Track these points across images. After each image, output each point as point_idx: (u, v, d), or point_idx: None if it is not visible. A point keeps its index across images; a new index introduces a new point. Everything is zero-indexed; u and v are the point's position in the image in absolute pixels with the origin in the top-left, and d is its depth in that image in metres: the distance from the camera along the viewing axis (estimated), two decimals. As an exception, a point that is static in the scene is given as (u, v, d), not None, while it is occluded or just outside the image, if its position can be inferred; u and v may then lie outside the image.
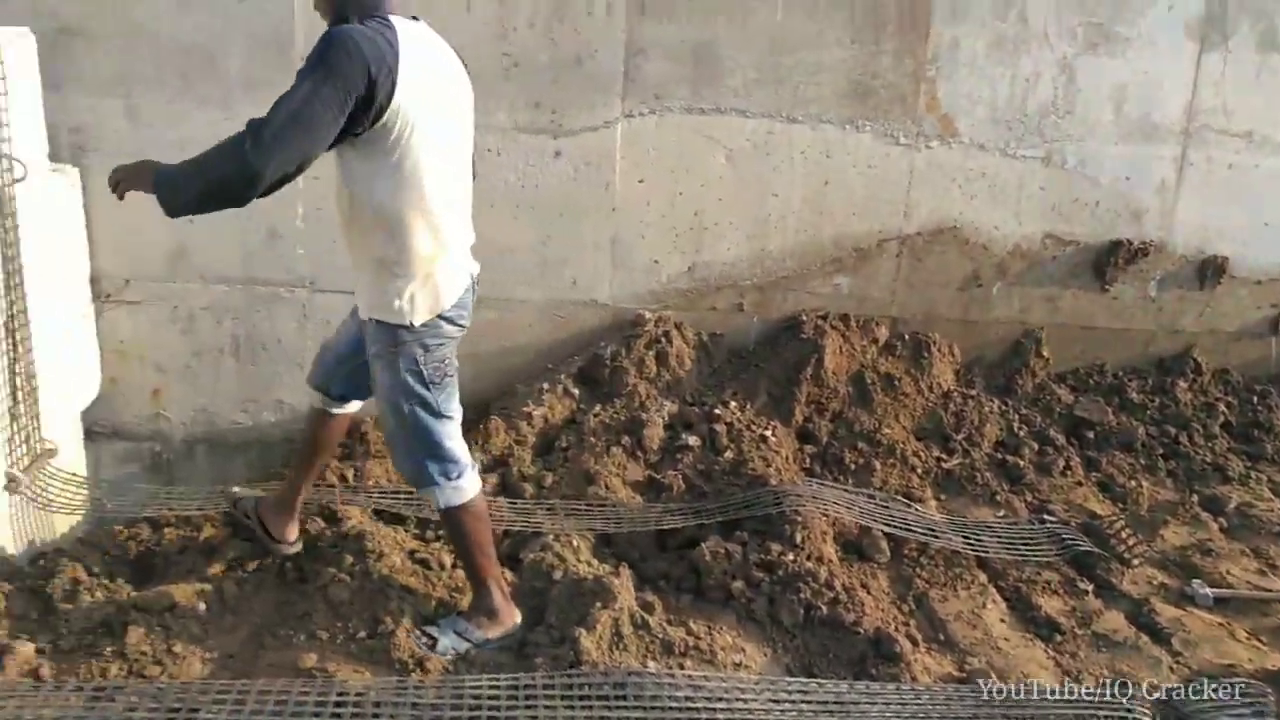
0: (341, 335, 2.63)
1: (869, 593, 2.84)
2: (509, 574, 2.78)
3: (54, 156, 3.10)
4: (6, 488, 2.84)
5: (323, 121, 2.00)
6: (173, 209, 2.09)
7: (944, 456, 3.59)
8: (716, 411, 3.48)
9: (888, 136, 3.64)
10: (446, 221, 2.29)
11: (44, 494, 2.94)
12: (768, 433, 3.46)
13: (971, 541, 3.07)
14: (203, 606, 2.54)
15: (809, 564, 2.87)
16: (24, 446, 2.89)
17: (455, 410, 2.44)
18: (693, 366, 3.64)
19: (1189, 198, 3.85)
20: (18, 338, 2.86)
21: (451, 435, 2.42)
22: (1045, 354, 3.94)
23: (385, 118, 2.08)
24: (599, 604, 2.56)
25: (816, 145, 3.61)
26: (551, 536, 2.95)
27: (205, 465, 3.62)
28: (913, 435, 3.67)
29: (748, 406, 3.56)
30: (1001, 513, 3.34)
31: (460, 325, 2.40)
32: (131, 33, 3.18)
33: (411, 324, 2.28)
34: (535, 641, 2.48)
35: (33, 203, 2.86)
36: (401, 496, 3.09)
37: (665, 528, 3.01)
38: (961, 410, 3.73)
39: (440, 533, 2.98)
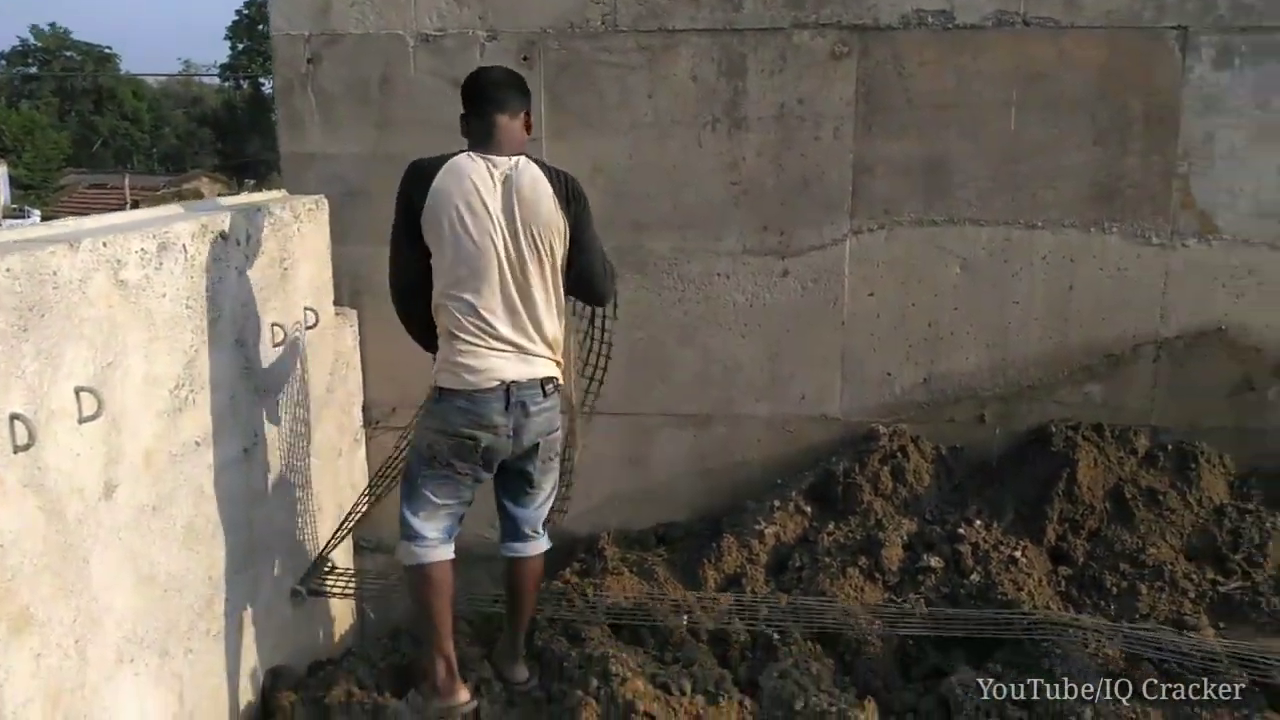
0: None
1: (1142, 736, 2.60)
2: (748, 700, 2.76)
3: (337, 301, 3.49)
4: (292, 600, 3.14)
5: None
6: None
7: (1220, 579, 3.23)
8: (960, 530, 3.32)
9: (1138, 237, 3.44)
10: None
11: (321, 586, 3.23)
12: (1017, 553, 3.27)
13: (1262, 676, 2.74)
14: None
15: (1071, 701, 2.66)
16: (306, 561, 3.19)
17: (437, 499, 2.64)
18: (931, 482, 3.51)
19: None
20: (305, 462, 3.19)
21: (420, 513, 2.63)
22: (1339, 463, 3.52)
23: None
24: (845, 739, 2.49)
25: (1059, 250, 3.46)
26: (790, 663, 2.91)
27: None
28: (1182, 555, 3.33)
29: (994, 525, 3.38)
30: (1297, 644, 2.96)
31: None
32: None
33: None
34: (781, 778, 2.43)
35: (321, 343, 3.22)
36: (641, 616, 3.14)
37: (907, 647, 2.90)
38: (1239, 527, 3.36)
39: (678, 655, 3.01)
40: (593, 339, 3.07)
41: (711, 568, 3.40)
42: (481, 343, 2.51)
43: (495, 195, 2.48)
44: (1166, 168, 3.39)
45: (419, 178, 2.50)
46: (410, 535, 2.64)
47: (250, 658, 2.92)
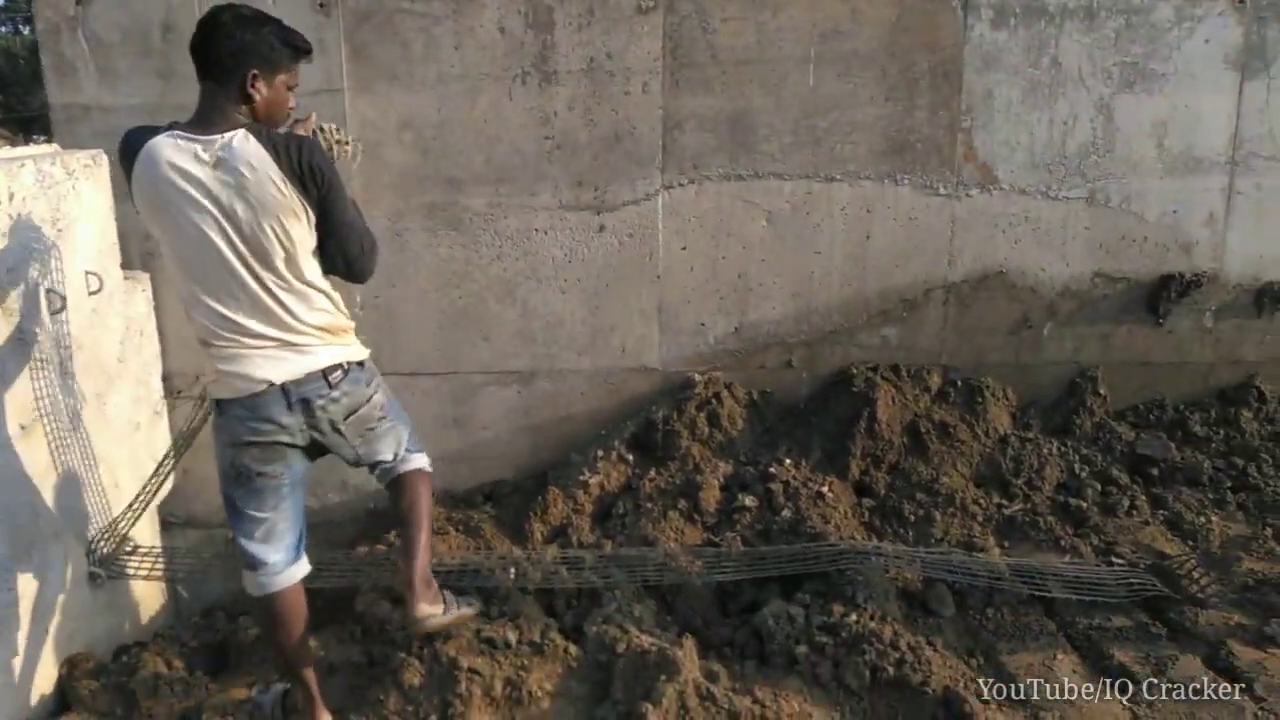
0: None
1: (935, 649, 2.80)
2: (573, 648, 2.81)
3: (126, 264, 3.26)
4: (90, 584, 2.96)
5: None
6: None
7: (1004, 502, 3.54)
8: (771, 470, 3.49)
9: (927, 188, 3.66)
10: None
11: (123, 570, 3.05)
12: (824, 489, 3.46)
13: (1038, 588, 3.03)
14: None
15: (872, 624, 2.85)
16: (103, 543, 3.01)
17: (263, 513, 2.33)
18: (745, 426, 3.66)
19: (1240, 226, 3.80)
20: (97, 438, 2.99)
21: (253, 536, 2.33)
22: (1102, 392, 3.89)
23: None
24: (663, 676, 2.57)
25: (856, 201, 3.64)
26: (614, 607, 2.98)
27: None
28: (971, 483, 3.63)
29: (803, 463, 3.57)
30: (1067, 557, 3.28)
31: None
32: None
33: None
34: (602, 717, 2.51)
35: (109, 310, 3.01)
36: (468, 574, 3.14)
37: (725, 583, 3.02)
38: (1020, 454, 3.69)
39: (504, 609, 3.03)
40: None
41: (538, 521, 3.44)
42: (239, 346, 2.19)
43: (208, 185, 2.08)
44: (951, 122, 3.61)
45: (124, 158, 2.13)
46: (251, 564, 2.34)
47: (42, 648, 2.73)
